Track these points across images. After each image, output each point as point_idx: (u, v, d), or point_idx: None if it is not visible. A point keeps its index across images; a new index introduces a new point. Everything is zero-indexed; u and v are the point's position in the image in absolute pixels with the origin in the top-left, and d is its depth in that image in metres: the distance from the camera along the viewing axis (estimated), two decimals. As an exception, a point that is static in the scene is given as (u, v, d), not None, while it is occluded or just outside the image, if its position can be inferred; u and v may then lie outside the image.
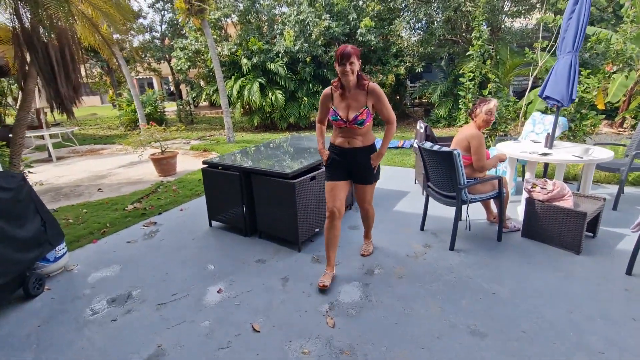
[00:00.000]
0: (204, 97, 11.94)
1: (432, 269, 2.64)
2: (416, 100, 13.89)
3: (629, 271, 2.42)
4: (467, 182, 2.82)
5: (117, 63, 8.85)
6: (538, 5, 9.23)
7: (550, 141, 3.43)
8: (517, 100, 6.29)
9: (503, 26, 9.93)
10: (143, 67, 18.26)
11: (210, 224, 3.68)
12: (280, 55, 10.13)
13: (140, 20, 16.52)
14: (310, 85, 10.92)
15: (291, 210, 2.90)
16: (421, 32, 10.61)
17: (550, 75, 3.39)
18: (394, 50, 10.66)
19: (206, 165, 3.48)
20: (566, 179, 4.58)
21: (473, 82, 5.75)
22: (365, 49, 10.68)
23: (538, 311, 2.14)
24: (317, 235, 3.28)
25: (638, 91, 7.54)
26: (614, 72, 4.80)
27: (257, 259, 2.93)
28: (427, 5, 9.80)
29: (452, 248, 2.90)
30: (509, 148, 3.52)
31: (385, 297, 2.34)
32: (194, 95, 13.04)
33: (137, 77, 24.04)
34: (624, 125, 8.06)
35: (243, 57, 10.52)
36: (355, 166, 2.45)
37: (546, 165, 4.44)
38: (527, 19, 9.76)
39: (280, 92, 10.42)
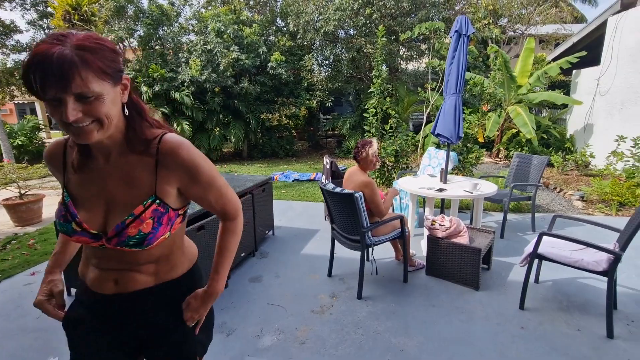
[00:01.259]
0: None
1: (338, 327, 2.36)
2: (329, 132, 14.36)
3: (521, 306, 2.49)
4: (370, 225, 2.68)
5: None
6: (427, 52, 10.50)
7: (444, 176, 3.58)
8: (415, 134, 6.78)
9: (400, 67, 11.01)
10: (20, 90, 15.45)
11: (69, 292, 2.86)
12: (185, 84, 9.47)
13: (17, 37, 14.07)
14: (220, 116, 10.42)
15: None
16: (329, 69, 11.12)
17: (439, 115, 3.60)
18: (305, 85, 10.90)
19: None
20: (460, 208, 4.91)
21: (376, 118, 6.00)
22: (277, 81, 10.71)
23: (446, 366, 1.99)
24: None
25: (507, 127, 8.90)
26: (489, 111, 5.53)
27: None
28: (332, 44, 10.36)
29: (359, 296, 2.68)
30: (408, 184, 3.58)
31: (284, 374, 1.95)
32: (82, 124, 11.31)
33: (16, 102, 20.36)
34: (499, 156, 9.39)
35: (143, 84, 9.57)
36: (143, 334, 1.01)
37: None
38: (418, 62, 10.99)
39: (187, 123, 9.69)
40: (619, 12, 6.70)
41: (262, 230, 3.77)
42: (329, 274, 3.05)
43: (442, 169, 3.60)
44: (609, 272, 2.14)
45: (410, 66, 11.48)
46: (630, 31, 6.42)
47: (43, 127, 10.89)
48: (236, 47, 9.56)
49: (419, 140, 6.95)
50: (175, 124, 9.63)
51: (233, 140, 10.21)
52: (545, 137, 8.62)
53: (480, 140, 8.91)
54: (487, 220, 4.40)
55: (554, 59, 9.06)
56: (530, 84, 8.01)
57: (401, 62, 11.02)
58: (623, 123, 6.44)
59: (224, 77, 9.52)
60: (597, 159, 6.90)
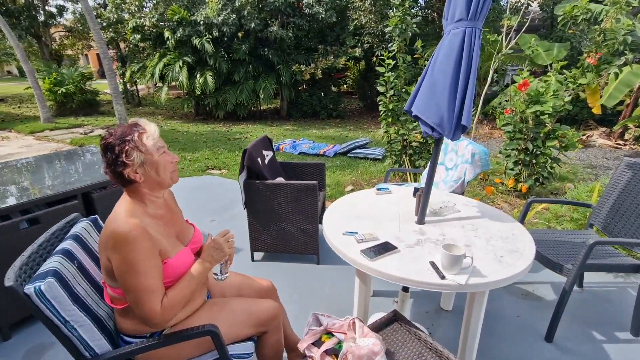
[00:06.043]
0: (128, 76, 10.16)
1: None
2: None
3: None
4: (131, 342, 1.12)
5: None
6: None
7: (420, 211, 1.67)
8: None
9: None
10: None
11: None
12: (203, 27, 8.24)
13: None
14: (250, 67, 9.07)
15: None
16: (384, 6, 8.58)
17: (425, 73, 1.61)
18: (352, 28, 8.68)
19: None
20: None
21: (395, 73, 3.92)
22: (316, 24, 8.72)
23: None
24: None
25: (645, 93, 5.62)
26: (598, 67, 2.94)
27: None
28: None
29: None
30: (336, 214, 1.79)
31: None
32: (121, 72, 11.19)
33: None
34: (625, 137, 6.18)
35: (166, 29, 8.67)
36: None
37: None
38: None
39: (210, 74, 8.63)
40: None
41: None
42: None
43: (421, 188, 1.68)
44: None
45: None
46: None
47: (94, 75, 11.16)
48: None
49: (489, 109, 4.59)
50: (198, 75, 8.67)
51: (262, 96, 8.86)
52: None
53: (596, 111, 5.90)
54: (542, 280, 2.33)
55: None
56: None
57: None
58: None
59: (248, 19, 7.97)
60: None
